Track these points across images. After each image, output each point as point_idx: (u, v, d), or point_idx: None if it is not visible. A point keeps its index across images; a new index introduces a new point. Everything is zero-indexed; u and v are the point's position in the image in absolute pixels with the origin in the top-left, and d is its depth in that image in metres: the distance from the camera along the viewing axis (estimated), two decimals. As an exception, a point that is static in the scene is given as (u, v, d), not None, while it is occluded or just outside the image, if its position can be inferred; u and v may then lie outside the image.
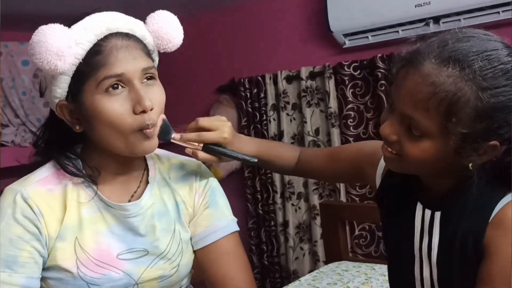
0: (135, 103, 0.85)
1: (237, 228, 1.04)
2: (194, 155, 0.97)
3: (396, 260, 0.95)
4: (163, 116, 0.90)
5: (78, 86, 0.85)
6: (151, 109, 0.86)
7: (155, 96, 0.88)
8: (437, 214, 0.86)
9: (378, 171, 1.00)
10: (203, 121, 0.96)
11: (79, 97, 0.86)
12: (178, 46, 0.95)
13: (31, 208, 0.87)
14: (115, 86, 0.84)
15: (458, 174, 0.82)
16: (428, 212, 0.88)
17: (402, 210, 0.92)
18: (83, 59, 0.83)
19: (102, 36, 0.84)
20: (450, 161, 0.79)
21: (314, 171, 1.15)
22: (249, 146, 1.06)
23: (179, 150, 1.02)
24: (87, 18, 0.85)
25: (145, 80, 0.88)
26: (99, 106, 0.84)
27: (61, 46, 0.80)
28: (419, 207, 0.89)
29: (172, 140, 0.94)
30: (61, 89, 0.86)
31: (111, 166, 0.94)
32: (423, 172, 0.87)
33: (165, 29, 0.92)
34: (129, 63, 0.84)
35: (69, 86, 0.86)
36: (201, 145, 0.96)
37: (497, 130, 0.75)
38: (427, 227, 0.88)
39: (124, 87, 0.85)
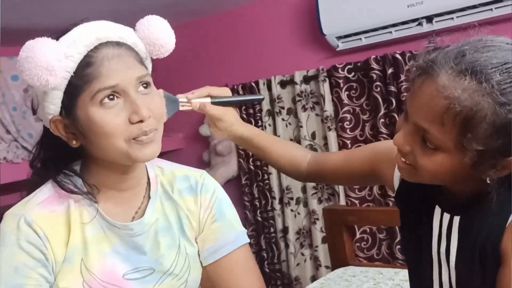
0: (131, 113, 0.82)
1: (247, 240, 1.01)
2: (202, 109, 1.04)
3: (416, 263, 0.93)
4: (162, 91, 0.89)
5: (71, 101, 0.82)
6: (149, 117, 0.83)
7: (152, 104, 0.85)
8: (456, 219, 0.84)
9: (396, 172, 0.97)
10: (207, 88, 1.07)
11: (74, 111, 0.83)
12: (171, 51, 0.92)
13: (36, 233, 0.84)
14: (111, 97, 0.81)
15: (477, 187, 0.79)
16: (446, 216, 0.86)
17: (421, 212, 0.90)
18: (74, 72, 0.80)
19: (92, 47, 0.81)
20: (467, 175, 0.77)
21: (328, 173, 1.12)
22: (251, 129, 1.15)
23: (183, 161, 1.01)
24: (75, 29, 0.82)
25: (142, 88, 0.85)
26: (94, 119, 0.81)
27: (51, 60, 0.77)
28: (437, 210, 0.87)
29: (181, 108, 1.02)
30: (54, 105, 0.83)
31: (112, 182, 0.91)
32: (438, 183, 0.84)
33: (156, 35, 0.89)
34: (122, 73, 0.82)
35: (62, 101, 0.83)
36: (209, 100, 1.04)
37: None
38: (445, 231, 0.86)
39: (119, 98, 0.82)
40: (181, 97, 1.02)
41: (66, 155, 0.92)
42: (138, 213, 0.94)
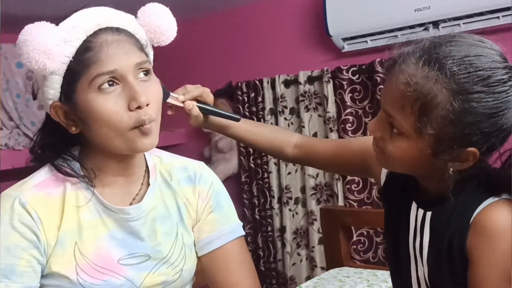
0: (130, 99, 0.81)
1: (243, 233, 1.01)
2: (190, 110, 1.04)
3: (395, 259, 0.95)
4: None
5: (70, 86, 0.82)
6: (147, 105, 0.82)
7: (151, 91, 0.84)
8: (428, 214, 0.87)
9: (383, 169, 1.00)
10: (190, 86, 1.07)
11: (73, 97, 0.82)
12: (172, 39, 0.92)
13: (30, 214, 0.84)
14: (110, 83, 0.81)
15: (442, 178, 0.81)
16: (421, 212, 0.88)
17: (401, 208, 0.93)
18: (73, 57, 0.80)
19: (91, 32, 0.81)
20: (430, 163, 0.80)
21: (317, 160, 1.14)
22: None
23: (182, 152, 1.02)
24: (75, 15, 0.82)
25: (141, 75, 0.84)
26: (93, 105, 0.81)
27: (49, 44, 0.77)
28: (414, 206, 0.90)
29: (170, 100, 1.02)
30: (53, 89, 0.83)
31: (111, 168, 0.91)
32: (406, 171, 0.88)
33: (157, 22, 0.89)
34: (121, 58, 0.81)
35: (62, 86, 0.83)
36: (195, 104, 1.06)
37: (470, 137, 0.75)
38: (419, 226, 0.88)
39: (118, 84, 0.82)
40: (175, 94, 1.04)
41: (66, 141, 0.91)
42: (136, 199, 0.93)
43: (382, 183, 1.00)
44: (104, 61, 0.80)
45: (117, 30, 0.83)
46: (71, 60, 0.80)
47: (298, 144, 1.15)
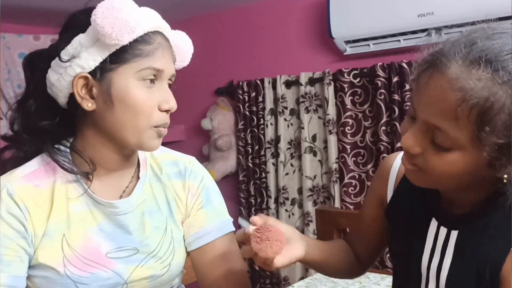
0: (163, 100, 0.87)
1: (233, 229, 1.01)
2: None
3: (402, 276, 0.89)
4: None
5: (113, 65, 0.83)
6: (172, 110, 0.89)
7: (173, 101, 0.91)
8: (454, 234, 0.78)
9: (390, 184, 0.93)
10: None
11: (110, 76, 0.83)
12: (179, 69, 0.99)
13: (17, 205, 0.84)
14: (152, 80, 0.86)
15: (490, 189, 0.73)
16: (443, 230, 0.80)
17: (414, 225, 0.85)
18: (129, 43, 0.83)
19: (152, 30, 0.86)
20: (482, 174, 0.71)
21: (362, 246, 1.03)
22: (312, 251, 0.90)
23: (181, 149, 1.01)
24: (142, 8, 0.86)
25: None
26: (132, 92, 0.84)
27: (135, 20, 0.81)
28: (433, 223, 0.82)
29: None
30: (94, 61, 0.83)
31: (108, 161, 0.91)
32: (449, 187, 0.78)
33: (183, 48, 0.97)
34: (168, 63, 0.88)
35: (103, 62, 0.83)
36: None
37: None
38: (440, 246, 0.80)
39: (155, 84, 0.87)
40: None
41: (63, 130, 0.91)
42: (126, 192, 0.94)
43: (388, 199, 0.92)
44: (158, 58, 0.86)
45: (167, 39, 0.90)
46: (127, 44, 0.83)
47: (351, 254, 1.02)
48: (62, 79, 0.85)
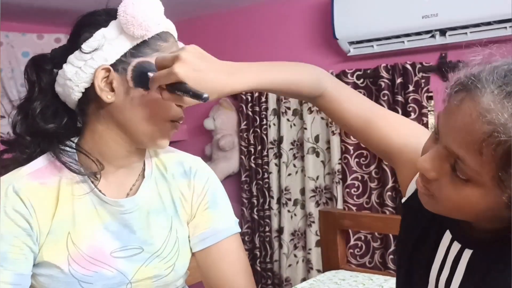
0: None
1: (238, 230, 1.01)
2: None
3: (407, 281, 0.84)
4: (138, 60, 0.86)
5: (134, 59, 0.85)
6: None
7: None
8: (467, 252, 0.73)
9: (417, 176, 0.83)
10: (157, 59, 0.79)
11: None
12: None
13: (23, 202, 0.84)
14: None
15: (501, 225, 0.68)
16: (456, 246, 0.74)
17: (427, 231, 0.79)
18: (148, 38, 0.86)
19: (165, 30, 0.89)
20: (498, 213, 0.65)
21: (340, 117, 0.96)
22: (249, 77, 0.90)
23: (183, 149, 1.01)
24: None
25: None
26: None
27: (161, 16, 0.86)
28: (447, 236, 0.76)
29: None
30: (116, 53, 0.85)
31: (117, 158, 0.91)
32: (461, 219, 0.72)
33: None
34: None
35: (124, 55, 0.85)
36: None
37: None
38: (450, 261, 0.75)
39: None
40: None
41: (70, 130, 0.91)
42: (132, 190, 0.94)
43: (407, 195, 0.86)
44: None
45: (176, 40, 0.92)
46: (145, 40, 0.86)
47: (325, 94, 0.95)
48: (81, 72, 0.85)
